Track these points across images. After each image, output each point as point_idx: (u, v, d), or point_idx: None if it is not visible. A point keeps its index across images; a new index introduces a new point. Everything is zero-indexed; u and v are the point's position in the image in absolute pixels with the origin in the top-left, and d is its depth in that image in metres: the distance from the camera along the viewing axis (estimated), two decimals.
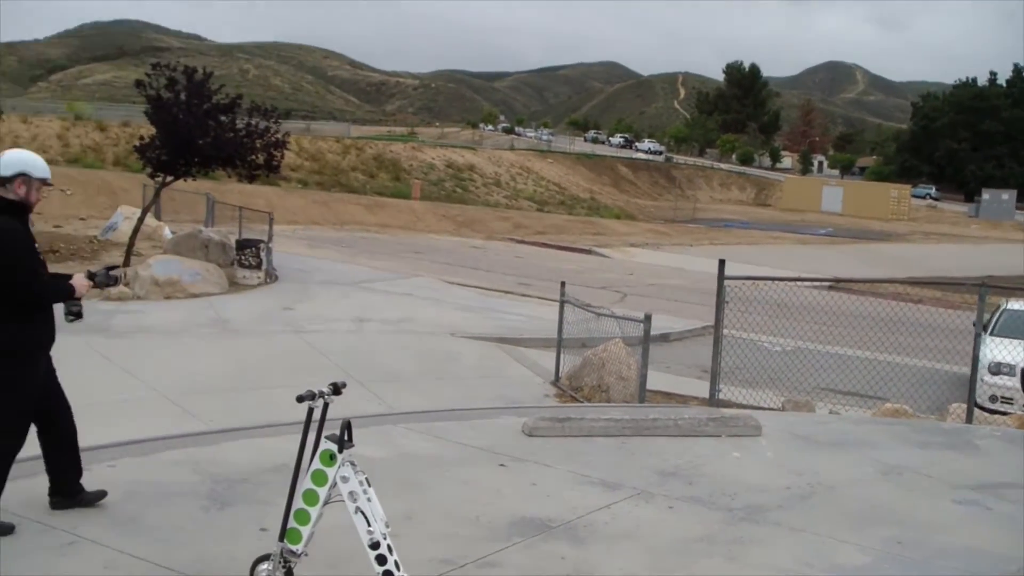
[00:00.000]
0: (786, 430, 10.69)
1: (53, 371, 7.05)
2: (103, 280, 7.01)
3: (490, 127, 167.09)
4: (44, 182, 6.83)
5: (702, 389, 13.74)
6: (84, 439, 9.14)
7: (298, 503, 5.53)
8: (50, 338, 6.91)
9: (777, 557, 6.86)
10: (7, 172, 6.67)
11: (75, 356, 14.71)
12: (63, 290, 6.80)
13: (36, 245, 6.77)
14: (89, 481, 7.33)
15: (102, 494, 7.12)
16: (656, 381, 15.01)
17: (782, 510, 7.87)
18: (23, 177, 6.71)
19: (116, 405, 12.16)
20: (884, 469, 9.33)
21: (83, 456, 8.07)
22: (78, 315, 6.88)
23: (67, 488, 7.02)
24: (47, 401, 6.92)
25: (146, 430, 9.83)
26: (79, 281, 6.86)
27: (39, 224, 34.65)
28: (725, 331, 14.23)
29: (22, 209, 6.76)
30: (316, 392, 5.52)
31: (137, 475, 7.30)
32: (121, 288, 18.69)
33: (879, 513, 7.94)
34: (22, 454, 6.64)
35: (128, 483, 7.47)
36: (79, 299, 6.86)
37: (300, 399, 5.49)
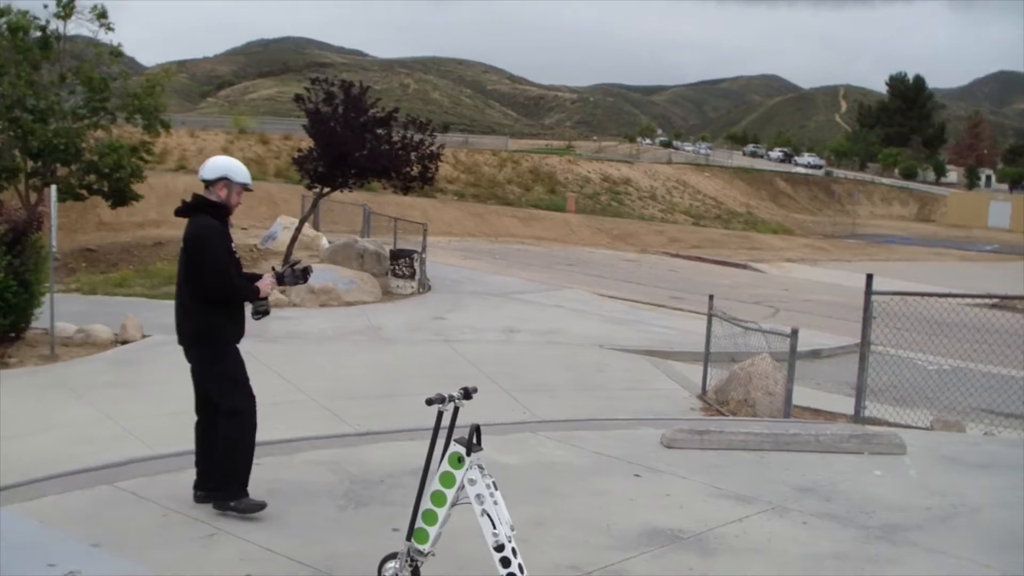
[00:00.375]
0: (932, 450, 10.46)
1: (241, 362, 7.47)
2: (290, 279, 7.53)
3: (648, 141, 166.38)
4: (244, 187, 7.38)
5: (850, 407, 13.51)
6: None
7: (426, 504, 5.68)
8: (238, 332, 7.42)
9: None
10: (210, 176, 7.30)
11: None
12: (249, 290, 7.31)
13: (232, 245, 7.32)
14: None
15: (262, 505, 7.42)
16: (804, 397, 14.81)
17: (921, 530, 7.73)
18: (225, 181, 7.29)
19: (268, 407, 12.50)
20: None
21: None
22: (265, 313, 7.36)
23: (212, 483, 7.35)
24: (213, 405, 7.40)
25: (294, 431, 10.15)
26: (265, 282, 7.39)
27: None
28: (879, 348, 14.00)
29: (222, 211, 7.34)
30: (446, 396, 5.67)
31: (279, 474, 7.57)
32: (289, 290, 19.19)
33: None
34: (166, 449, 6.96)
35: (270, 481, 7.75)
36: (265, 299, 7.37)
37: (430, 402, 5.65)
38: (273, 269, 7.55)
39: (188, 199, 7.44)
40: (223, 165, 7.38)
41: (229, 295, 7.19)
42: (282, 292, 7.01)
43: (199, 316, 7.22)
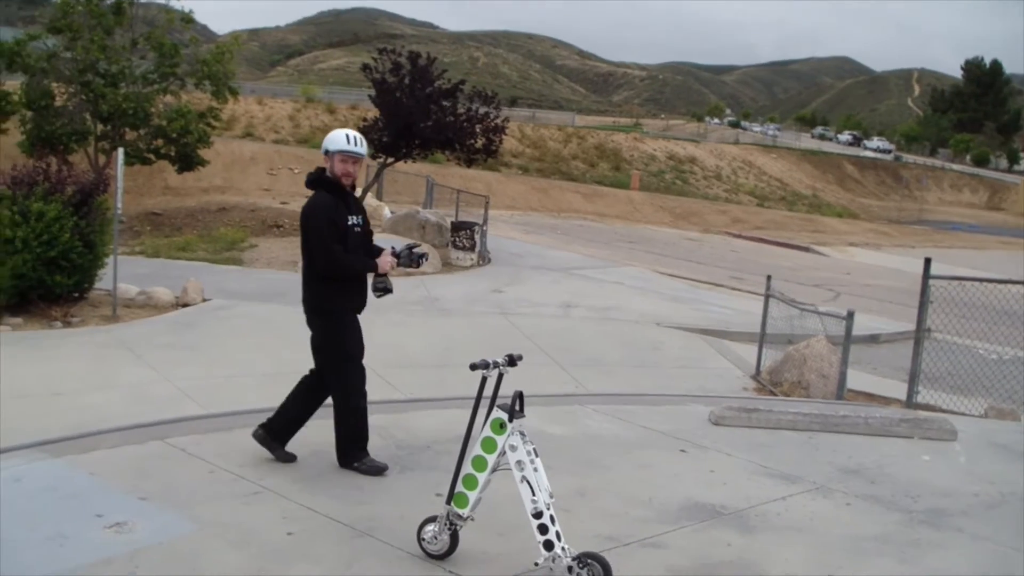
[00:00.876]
0: (984, 437, 10.36)
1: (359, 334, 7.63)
2: (405, 260, 7.50)
3: (716, 120, 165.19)
4: (344, 154, 7.36)
5: (905, 393, 13.39)
6: (281, 399, 9.65)
7: (467, 468, 5.75)
8: (355, 305, 7.53)
9: (953, 563, 6.70)
10: (322, 151, 7.52)
11: (288, 326, 15.43)
12: (365, 265, 7.39)
13: (354, 219, 7.39)
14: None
15: (292, 457, 7.66)
16: (859, 381, 14.73)
17: (966, 516, 7.67)
18: (327, 153, 7.42)
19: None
20: None
21: None
22: (385, 290, 7.41)
23: (273, 425, 7.71)
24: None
25: None
26: (384, 259, 7.40)
27: (267, 200, 36.24)
28: (938, 335, 13.86)
29: (334, 185, 7.43)
30: (491, 362, 5.72)
31: (325, 436, 7.66)
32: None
33: None
34: (214, 409, 7.07)
35: (317, 443, 7.85)
36: (384, 275, 7.42)
37: (474, 367, 5.72)
38: (392, 248, 7.57)
39: (311, 173, 7.68)
40: (326, 138, 7.52)
41: (335, 270, 7.29)
42: (402, 267, 7.10)
43: (312, 288, 7.44)
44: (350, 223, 7.36)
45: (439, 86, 25.80)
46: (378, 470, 7.45)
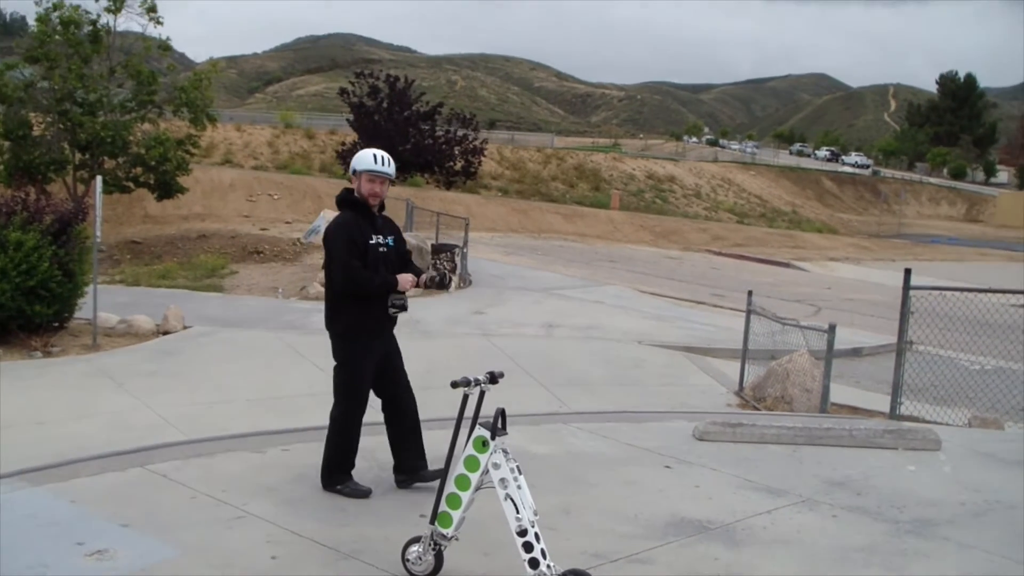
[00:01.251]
0: (969, 446, 10.37)
1: (395, 359, 7.76)
2: (428, 283, 7.65)
3: (694, 139, 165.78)
4: (371, 174, 7.40)
5: (889, 405, 13.39)
6: (267, 425, 9.61)
7: (450, 487, 5.71)
8: (376, 326, 7.51)
9: (941, 572, 6.68)
10: (352, 168, 7.53)
11: (270, 351, 15.42)
12: (383, 283, 7.34)
13: (378, 239, 7.39)
14: (263, 463, 7.74)
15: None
16: (842, 395, 14.74)
17: (953, 526, 7.66)
18: (354, 173, 7.47)
19: (305, 398, 12.63)
20: None
21: (259, 440, 8.53)
22: (402, 307, 7.46)
23: (409, 465, 7.72)
24: (391, 388, 7.74)
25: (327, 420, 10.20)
26: (404, 277, 7.40)
27: (247, 226, 36.19)
28: (920, 347, 13.87)
29: (360, 205, 7.47)
30: (472, 379, 5.70)
31: (308, 459, 7.63)
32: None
33: None
34: (198, 435, 7.02)
35: (299, 466, 7.81)
36: (402, 293, 7.44)
37: (455, 385, 5.70)
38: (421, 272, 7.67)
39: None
40: (354, 158, 7.56)
41: (351, 285, 7.30)
42: (424, 288, 7.17)
43: (332, 308, 7.51)
44: (373, 242, 7.37)
45: (417, 109, 25.90)
46: (362, 494, 7.43)
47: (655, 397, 14.32)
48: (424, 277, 7.63)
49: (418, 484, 7.61)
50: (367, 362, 7.53)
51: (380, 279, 7.35)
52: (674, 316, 22.75)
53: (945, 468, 9.42)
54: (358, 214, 7.43)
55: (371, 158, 7.39)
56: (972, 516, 7.97)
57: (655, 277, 32.28)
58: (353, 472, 7.61)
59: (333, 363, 7.64)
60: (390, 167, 7.47)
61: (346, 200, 7.51)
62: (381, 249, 7.42)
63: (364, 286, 7.32)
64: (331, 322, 7.54)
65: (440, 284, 7.67)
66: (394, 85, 25.88)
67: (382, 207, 7.64)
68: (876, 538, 7.24)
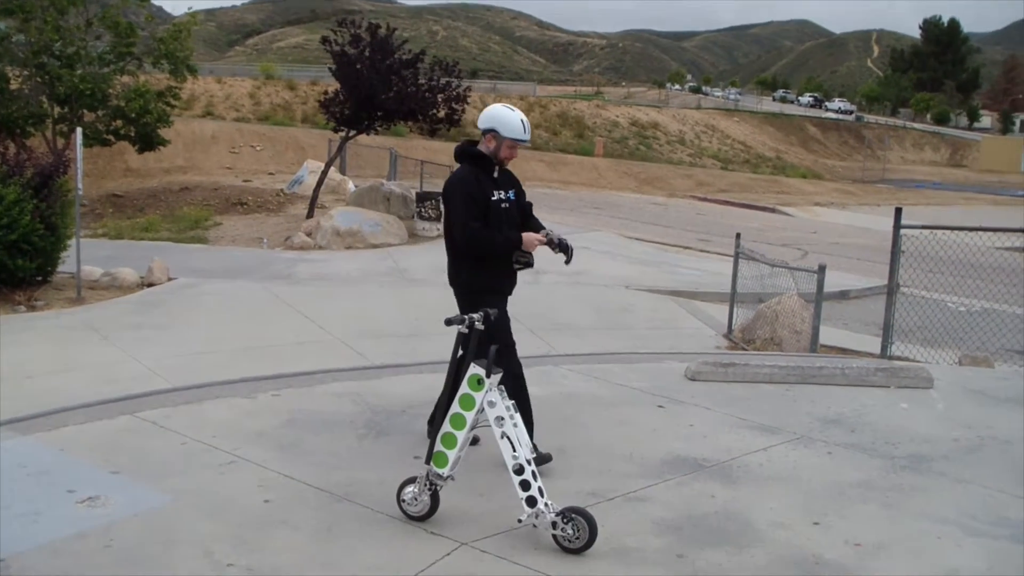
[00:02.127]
0: (960, 384, 10.35)
1: (506, 324, 7.19)
2: (554, 241, 7.09)
3: (677, 87, 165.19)
4: (516, 141, 6.98)
5: (878, 346, 13.36)
6: (255, 373, 9.53)
7: (445, 427, 5.65)
8: (503, 285, 7.18)
9: (938, 507, 6.66)
10: (481, 126, 7.03)
11: (256, 302, 15.32)
12: (507, 243, 6.93)
13: (495, 197, 6.99)
14: (254, 408, 7.67)
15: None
16: (832, 337, 14.74)
17: (948, 461, 7.64)
18: (493, 133, 6.97)
19: (292, 347, 12.57)
20: None
21: (248, 386, 8.44)
22: (527, 264, 7.03)
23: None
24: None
25: (317, 367, 10.15)
26: (529, 236, 6.98)
27: (230, 178, 35.96)
28: (907, 290, 13.84)
29: (485, 162, 7.05)
30: (466, 317, 5.62)
31: (299, 404, 7.56)
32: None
33: None
34: (190, 378, 6.94)
35: (290, 411, 7.75)
36: (528, 252, 6.98)
37: (448, 322, 5.62)
38: (548, 232, 7.14)
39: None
40: (494, 115, 7.04)
41: (474, 246, 6.93)
42: (550, 247, 6.69)
43: (455, 265, 7.17)
44: (495, 198, 7.00)
45: (400, 57, 25.59)
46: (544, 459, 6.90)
47: (644, 341, 14.27)
48: (554, 236, 7.10)
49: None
50: (500, 318, 6.95)
51: (503, 240, 6.96)
52: (661, 261, 22.71)
53: (938, 405, 9.40)
54: (478, 169, 7.03)
55: (520, 127, 6.96)
56: (966, 452, 7.95)
57: (641, 223, 32.22)
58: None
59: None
60: (529, 133, 7.11)
61: (467, 153, 7.11)
62: (503, 205, 7.07)
63: (486, 248, 6.94)
64: (454, 279, 7.19)
65: (563, 248, 7.08)
66: (376, 33, 25.50)
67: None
68: (872, 474, 7.22)
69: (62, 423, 7.43)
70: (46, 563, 5.16)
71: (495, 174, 7.07)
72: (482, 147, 7.05)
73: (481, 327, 5.71)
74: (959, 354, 13.31)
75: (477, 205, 6.90)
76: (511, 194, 7.16)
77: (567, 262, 7.20)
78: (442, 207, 7.16)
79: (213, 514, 5.87)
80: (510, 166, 7.24)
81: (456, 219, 6.95)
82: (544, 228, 7.13)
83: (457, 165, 7.19)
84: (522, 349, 11.59)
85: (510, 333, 7.18)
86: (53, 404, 8.21)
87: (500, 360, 5.64)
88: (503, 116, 6.99)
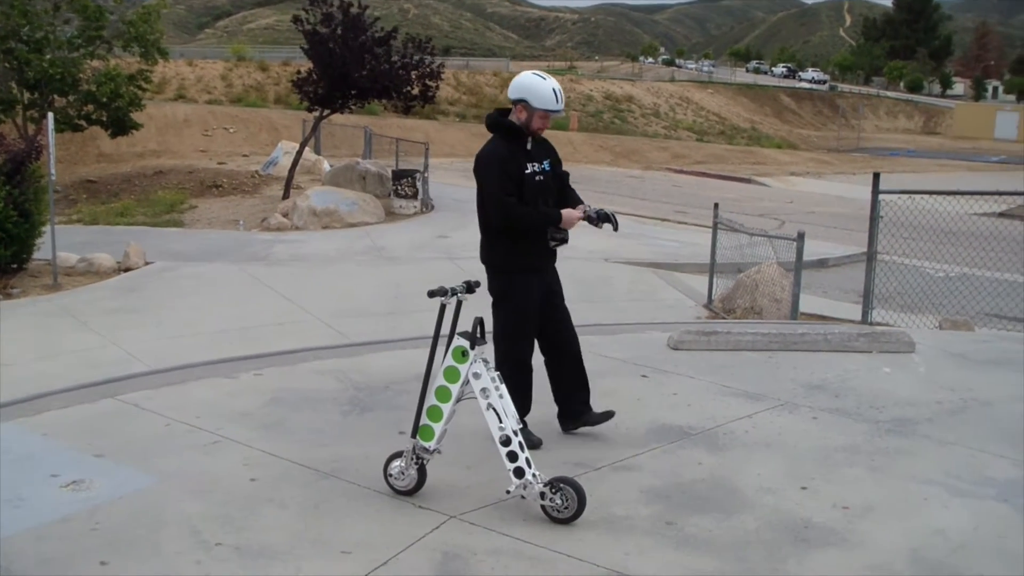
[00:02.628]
0: (942, 348, 10.38)
1: (556, 296, 7.03)
2: (592, 216, 6.79)
3: (650, 60, 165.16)
4: (548, 112, 6.68)
5: (858, 313, 13.41)
6: (235, 353, 9.48)
7: (431, 400, 5.63)
8: (537, 262, 6.83)
9: (923, 468, 6.68)
10: (511, 95, 6.73)
11: (234, 284, 15.26)
12: (544, 218, 6.65)
13: (529, 170, 6.68)
14: (236, 388, 7.62)
15: (609, 415, 7.02)
16: (811, 305, 14.77)
17: (932, 423, 7.67)
18: (523, 104, 6.65)
19: (272, 327, 12.53)
20: None
21: (230, 366, 8.38)
22: (562, 241, 6.74)
23: (572, 410, 7.07)
24: (550, 327, 6.98)
25: (298, 346, 10.11)
26: (568, 213, 6.69)
27: (204, 161, 35.76)
28: (886, 257, 13.87)
29: (517, 134, 6.74)
30: (449, 289, 5.58)
31: (282, 383, 7.53)
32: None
33: None
34: (170, 362, 6.90)
35: (273, 390, 7.72)
36: (565, 228, 6.70)
37: (432, 294, 5.57)
38: (586, 207, 6.81)
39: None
40: (524, 85, 6.69)
41: (510, 222, 6.63)
42: (591, 222, 6.38)
43: (488, 242, 6.86)
44: (529, 171, 6.68)
45: (372, 34, 25.45)
46: (532, 444, 6.53)
47: (625, 313, 14.26)
48: (592, 211, 6.78)
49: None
50: (528, 298, 6.82)
51: (540, 214, 6.66)
52: (639, 233, 22.69)
53: (920, 369, 9.43)
54: (510, 141, 6.71)
55: (551, 96, 6.62)
56: (949, 414, 7.98)
57: (618, 196, 32.17)
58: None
59: (493, 307, 6.94)
60: (562, 103, 6.76)
61: (499, 124, 6.77)
62: (538, 178, 6.74)
63: (523, 223, 6.64)
64: (487, 257, 6.89)
65: (606, 218, 6.76)
66: (348, 11, 25.35)
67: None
68: (857, 438, 7.24)
69: (44, 408, 7.38)
70: (31, 548, 5.12)
71: (528, 145, 6.76)
72: (513, 118, 6.73)
73: (464, 298, 5.67)
74: (939, 319, 13.36)
75: (511, 179, 6.62)
76: (546, 165, 6.86)
77: (615, 229, 6.98)
78: (476, 180, 6.81)
79: (199, 494, 5.84)
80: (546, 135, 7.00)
81: (489, 194, 6.66)
82: (582, 202, 6.85)
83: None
84: None
85: (554, 309, 6.98)
86: (34, 390, 8.15)
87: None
88: (534, 85, 6.66)
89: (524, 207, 6.62)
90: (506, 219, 6.62)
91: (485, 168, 6.68)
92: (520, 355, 6.83)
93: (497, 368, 6.05)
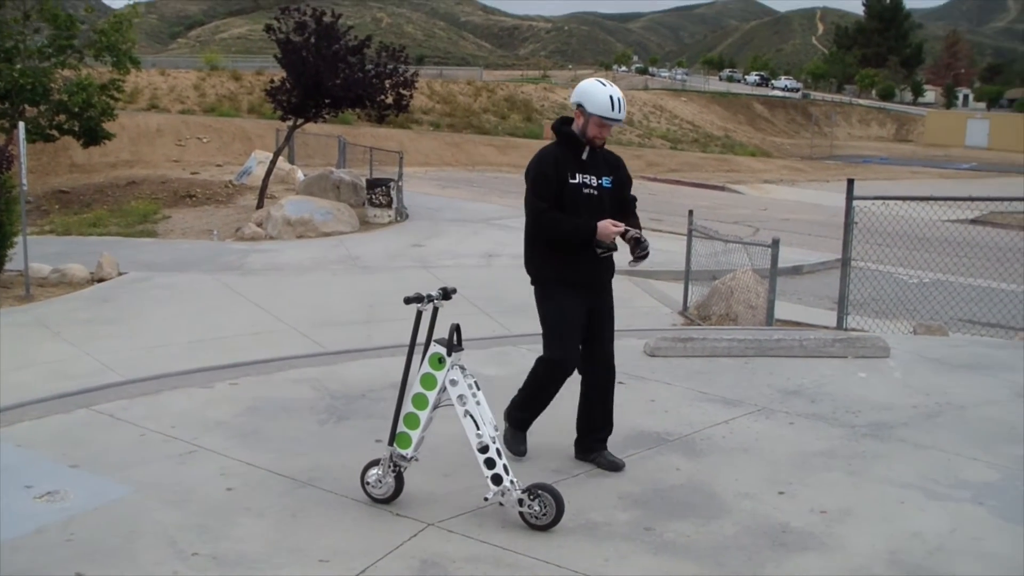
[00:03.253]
0: (916, 352, 10.43)
1: (598, 316, 6.55)
2: (638, 237, 6.25)
3: (624, 68, 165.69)
4: (604, 120, 6.28)
5: (832, 320, 13.46)
6: (210, 363, 9.43)
7: (407, 407, 5.60)
8: (575, 273, 6.39)
9: (900, 472, 6.71)
10: (571, 100, 6.50)
11: (208, 293, 15.21)
12: (575, 229, 6.23)
13: (576, 180, 6.31)
14: (212, 397, 7.58)
15: (617, 466, 6.57)
16: (786, 311, 14.83)
17: (907, 428, 7.70)
18: (580, 108, 6.35)
19: (248, 337, 12.49)
20: (1021, 391, 9.01)
21: (205, 376, 8.33)
22: (609, 249, 6.25)
23: (585, 444, 6.71)
24: (585, 351, 6.56)
25: (273, 355, 10.06)
26: (605, 224, 6.18)
27: (177, 171, 35.62)
28: (860, 263, 13.93)
29: (573, 141, 6.42)
30: (425, 295, 5.56)
31: (258, 392, 7.49)
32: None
33: (1013, 433, 7.67)
34: (144, 372, 6.85)
35: (249, 399, 7.68)
36: (606, 239, 6.19)
37: (408, 301, 5.54)
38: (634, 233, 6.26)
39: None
40: (583, 89, 6.38)
41: (539, 229, 6.34)
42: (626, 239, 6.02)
43: (526, 249, 6.56)
44: (575, 181, 6.32)
45: (346, 43, 25.44)
46: (514, 452, 6.64)
47: None
48: (631, 233, 6.27)
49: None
50: (568, 308, 6.41)
51: (571, 224, 6.25)
52: None
53: (895, 374, 9.47)
54: (564, 147, 6.41)
55: (607, 103, 6.22)
56: (925, 418, 8.02)
57: None
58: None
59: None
60: (623, 112, 6.34)
61: (557, 129, 6.50)
62: (586, 191, 6.34)
63: (552, 231, 6.31)
64: (526, 264, 6.60)
65: (638, 243, 6.25)
66: (321, 20, 25.33)
67: (602, 143, 6.52)
68: (834, 442, 7.26)
69: (17, 419, 7.30)
70: (4, 559, 5.06)
71: (584, 155, 6.39)
72: (575, 127, 6.44)
73: (440, 305, 5.66)
74: (913, 324, 13.43)
75: (548, 184, 6.31)
76: (605, 181, 6.44)
77: (632, 262, 6.37)
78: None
79: (175, 504, 5.79)
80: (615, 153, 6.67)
81: (527, 197, 6.39)
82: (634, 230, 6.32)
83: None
84: (478, 331, 11.64)
85: (593, 339, 6.54)
86: (7, 401, 8.08)
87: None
88: (591, 90, 6.32)
89: (555, 214, 6.30)
90: (535, 225, 6.38)
91: (528, 171, 6.46)
92: (552, 370, 6.49)
93: (533, 372, 6.36)
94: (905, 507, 6.11)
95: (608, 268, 6.54)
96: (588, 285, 6.45)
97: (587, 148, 6.40)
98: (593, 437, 6.66)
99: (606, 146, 6.60)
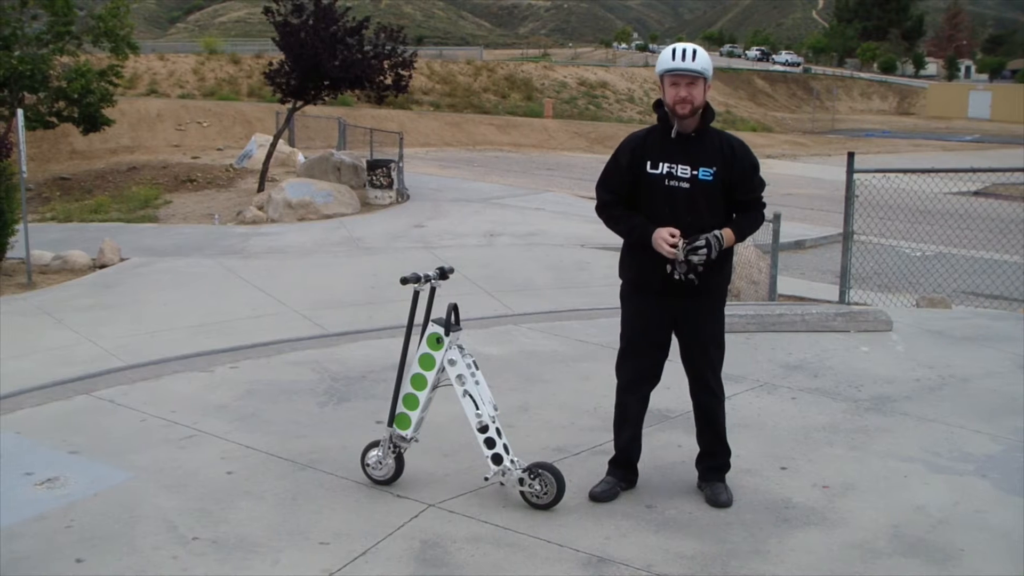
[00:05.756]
0: (919, 325, 10.41)
1: (691, 334, 5.74)
2: (685, 252, 5.33)
3: (624, 46, 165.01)
4: (673, 74, 5.40)
5: (835, 294, 13.43)
6: (211, 347, 9.41)
7: (406, 388, 5.57)
8: (649, 284, 5.58)
9: (903, 446, 6.70)
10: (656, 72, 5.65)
11: (210, 278, 15.18)
12: (630, 231, 5.54)
13: (658, 170, 5.46)
14: (212, 381, 7.55)
15: (723, 503, 5.70)
16: (789, 286, 14.80)
17: (910, 401, 7.68)
18: (659, 79, 5.57)
19: (249, 320, 12.46)
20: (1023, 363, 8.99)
21: (205, 360, 8.31)
22: (689, 267, 5.41)
23: (698, 467, 5.97)
24: (688, 370, 5.89)
25: (274, 337, 10.04)
26: (659, 232, 5.35)
27: (178, 156, 35.57)
28: (863, 237, 13.90)
29: (664, 121, 5.57)
30: (422, 275, 5.53)
31: (257, 375, 7.47)
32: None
33: (1015, 405, 7.67)
34: (146, 357, 6.83)
35: (249, 382, 7.66)
36: (663, 252, 5.35)
37: (404, 281, 5.50)
38: (691, 240, 5.33)
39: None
40: (660, 57, 5.53)
41: (602, 218, 5.74)
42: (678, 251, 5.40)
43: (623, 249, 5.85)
44: (656, 171, 5.46)
45: (344, 24, 25.34)
46: (599, 496, 5.73)
47: (602, 298, 14.16)
48: (690, 248, 5.35)
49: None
50: (639, 316, 5.73)
51: (627, 224, 5.53)
52: None
53: (898, 347, 9.44)
54: (657, 130, 5.57)
55: (669, 54, 5.39)
56: (928, 391, 8.00)
57: (593, 182, 32.07)
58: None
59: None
60: (696, 62, 5.35)
61: (656, 111, 5.62)
62: (670, 183, 5.44)
63: (609, 225, 5.71)
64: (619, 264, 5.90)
65: (688, 262, 5.37)
66: (319, 2, 25.24)
67: (707, 119, 5.54)
68: (837, 417, 7.24)
69: (17, 406, 7.29)
70: (5, 546, 5.05)
71: (672, 134, 5.48)
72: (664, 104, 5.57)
73: (437, 284, 5.62)
74: (916, 297, 13.40)
75: (616, 174, 5.59)
76: (703, 173, 5.45)
77: (669, 272, 5.45)
78: None
79: (175, 488, 5.78)
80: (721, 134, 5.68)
81: (600, 180, 5.75)
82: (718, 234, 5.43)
83: None
84: (479, 310, 11.63)
85: (686, 359, 5.84)
86: (8, 388, 8.07)
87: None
88: (661, 54, 5.47)
89: (614, 210, 5.64)
90: (600, 215, 5.79)
91: (613, 155, 5.75)
92: (623, 391, 5.93)
93: None
94: (908, 481, 6.10)
95: (694, 282, 5.51)
96: (663, 292, 5.57)
97: (675, 128, 5.47)
98: (704, 464, 5.93)
99: (723, 130, 5.76)
